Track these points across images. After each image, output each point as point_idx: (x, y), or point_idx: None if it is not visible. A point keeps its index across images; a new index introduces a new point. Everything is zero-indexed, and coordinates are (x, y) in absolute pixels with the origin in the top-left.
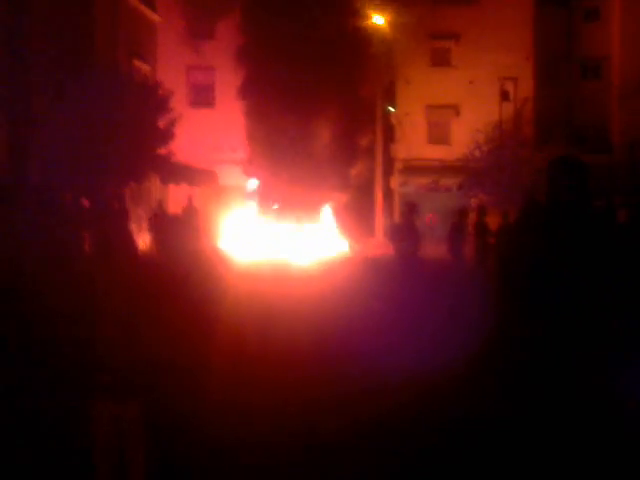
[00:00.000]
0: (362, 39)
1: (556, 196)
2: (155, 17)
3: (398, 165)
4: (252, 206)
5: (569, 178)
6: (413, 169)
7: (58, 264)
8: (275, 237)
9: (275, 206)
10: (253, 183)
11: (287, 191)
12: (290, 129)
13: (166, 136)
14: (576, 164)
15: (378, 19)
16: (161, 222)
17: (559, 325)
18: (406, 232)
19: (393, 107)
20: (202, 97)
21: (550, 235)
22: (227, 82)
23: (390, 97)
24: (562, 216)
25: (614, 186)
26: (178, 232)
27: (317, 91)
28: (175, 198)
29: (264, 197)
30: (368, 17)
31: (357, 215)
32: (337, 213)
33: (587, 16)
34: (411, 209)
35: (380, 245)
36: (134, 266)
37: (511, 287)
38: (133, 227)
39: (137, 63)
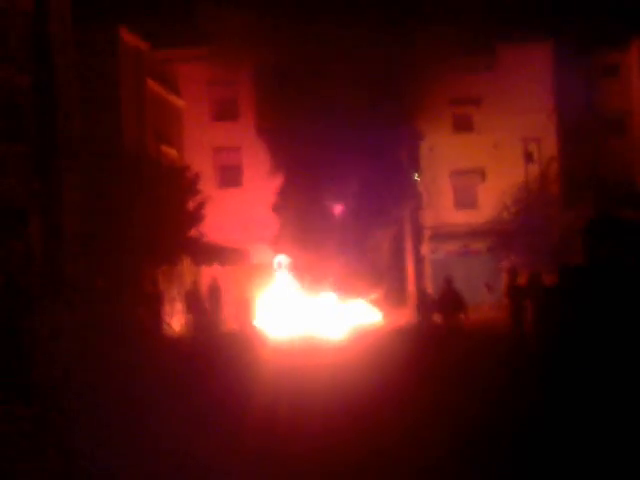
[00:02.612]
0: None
1: (600, 257)
2: (180, 102)
3: (427, 232)
4: (283, 282)
5: (612, 237)
6: (442, 235)
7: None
8: (307, 311)
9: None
10: (281, 259)
11: (319, 269)
12: (320, 205)
13: (196, 218)
14: (616, 222)
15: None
16: (195, 303)
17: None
18: (445, 303)
19: (418, 174)
20: (230, 177)
21: (596, 298)
22: (254, 161)
23: (414, 164)
24: (608, 277)
25: None
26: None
27: (347, 163)
28: (208, 278)
29: (295, 273)
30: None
31: (388, 284)
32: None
33: (606, 72)
34: (449, 282)
35: (413, 314)
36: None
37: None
38: (167, 309)
39: (165, 148)
